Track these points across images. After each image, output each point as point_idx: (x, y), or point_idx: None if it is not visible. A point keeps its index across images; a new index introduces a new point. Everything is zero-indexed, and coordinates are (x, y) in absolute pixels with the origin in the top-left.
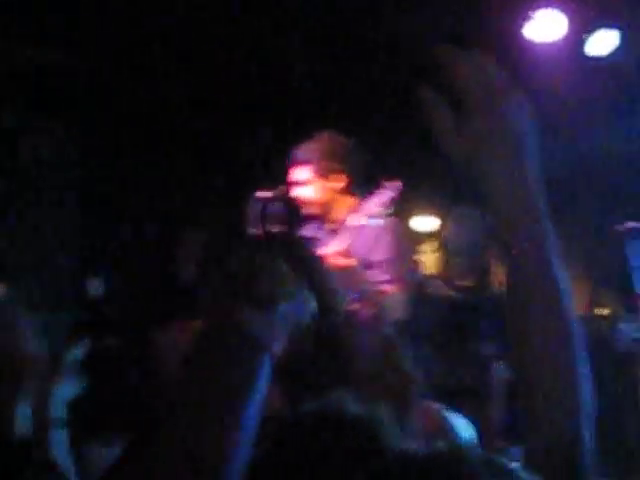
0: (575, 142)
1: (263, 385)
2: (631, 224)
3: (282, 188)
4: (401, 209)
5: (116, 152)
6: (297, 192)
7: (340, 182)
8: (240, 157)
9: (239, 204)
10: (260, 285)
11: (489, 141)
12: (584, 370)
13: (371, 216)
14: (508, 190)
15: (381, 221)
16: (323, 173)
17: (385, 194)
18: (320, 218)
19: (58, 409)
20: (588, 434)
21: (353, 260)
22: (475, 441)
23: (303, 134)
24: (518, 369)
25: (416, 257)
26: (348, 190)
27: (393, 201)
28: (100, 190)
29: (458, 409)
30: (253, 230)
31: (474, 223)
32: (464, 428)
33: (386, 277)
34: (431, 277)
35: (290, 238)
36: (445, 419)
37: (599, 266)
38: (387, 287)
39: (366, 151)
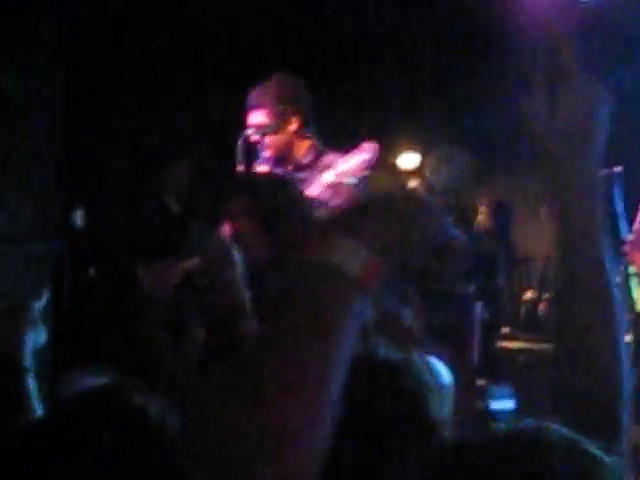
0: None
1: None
2: (617, 168)
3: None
4: (384, 146)
5: (102, 78)
6: (254, 137)
7: (294, 123)
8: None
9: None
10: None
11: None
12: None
13: (346, 175)
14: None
15: (355, 181)
16: (277, 116)
17: (363, 155)
18: (281, 161)
19: (28, 358)
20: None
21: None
22: (453, 387)
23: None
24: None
25: None
26: (302, 130)
27: (370, 164)
28: (87, 117)
29: (438, 349)
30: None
31: (458, 161)
32: (444, 373)
33: None
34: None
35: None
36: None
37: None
38: None
39: (349, 88)
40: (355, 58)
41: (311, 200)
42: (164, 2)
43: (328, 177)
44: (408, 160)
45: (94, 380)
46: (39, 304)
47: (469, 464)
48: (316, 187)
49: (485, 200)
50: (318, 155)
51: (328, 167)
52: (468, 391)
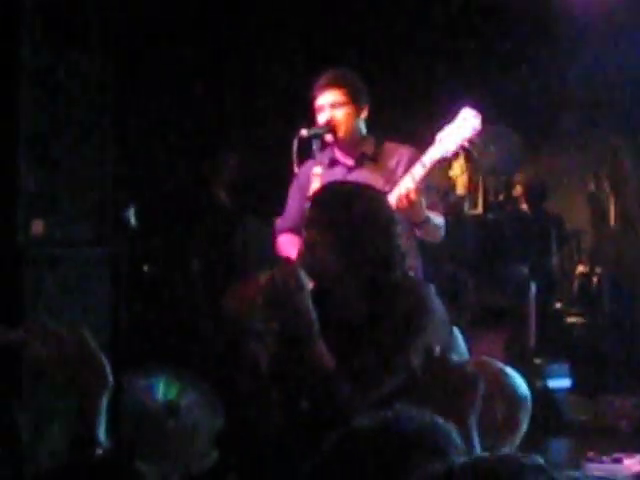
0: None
1: None
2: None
3: (321, 126)
4: (432, 127)
5: (148, 84)
6: (323, 117)
7: (366, 110)
8: (272, 85)
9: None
10: None
11: None
12: None
13: (449, 150)
14: None
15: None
16: (354, 96)
17: (466, 127)
18: (346, 147)
19: None
20: None
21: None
22: (530, 400)
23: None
24: None
25: (449, 176)
26: (355, 115)
27: (477, 135)
28: (133, 116)
29: (495, 329)
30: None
31: (505, 141)
32: (521, 386)
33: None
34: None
35: None
36: (506, 378)
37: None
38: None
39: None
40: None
41: (388, 209)
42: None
43: (435, 153)
44: None
45: (151, 381)
46: None
47: None
48: (419, 169)
49: (520, 179)
50: (378, 148)
51: (395, 156)
52: (525, 370)
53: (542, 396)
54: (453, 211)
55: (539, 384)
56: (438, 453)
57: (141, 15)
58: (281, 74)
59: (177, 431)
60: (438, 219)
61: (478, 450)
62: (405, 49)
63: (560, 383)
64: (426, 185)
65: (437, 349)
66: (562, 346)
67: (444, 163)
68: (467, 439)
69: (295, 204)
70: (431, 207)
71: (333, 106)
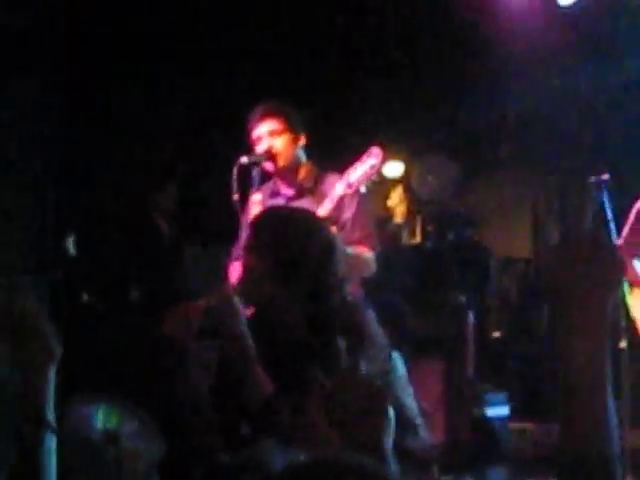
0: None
1: None
2: (605, 176)
3: (261, 154)
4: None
5: (93, 112)
6: (262, 147)
7: (303, 139)
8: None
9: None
10: None
11: None
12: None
13: (353, 185)
14: None
15: (364, 190)
16: (290, 125)
17: (370, 161)
18: (285, 177)
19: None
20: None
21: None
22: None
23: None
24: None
25: (388, 205)
26: (295, 142)
27: (378, 169)
28: (77, 144)
29: (433, 358)
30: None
31: (444, 171)
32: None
33: (355, 236)
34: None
35: None
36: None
37: (574, 215)
38: (357, 246)
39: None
40: (333, 69)
41: (326, 235)
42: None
43: (339, 190)
44: (392, 169)
45: (90, 409)
46: None
47: None
48: (328, 203)
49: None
50: (317, 179)
51: (331, 187)
52: (464, 399)
53: (480, 424)
54: (391, 240)
55: (477, 413)
56: None
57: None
58: (223, 103)
59: (117, 459)
60: (367, 254)
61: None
62: (341, 80)
63: (498, 411)
64: (356, 219)
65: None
66: (500, 375)
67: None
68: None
69: (242, 232)
70: (360, 241)
71: (271, 134)
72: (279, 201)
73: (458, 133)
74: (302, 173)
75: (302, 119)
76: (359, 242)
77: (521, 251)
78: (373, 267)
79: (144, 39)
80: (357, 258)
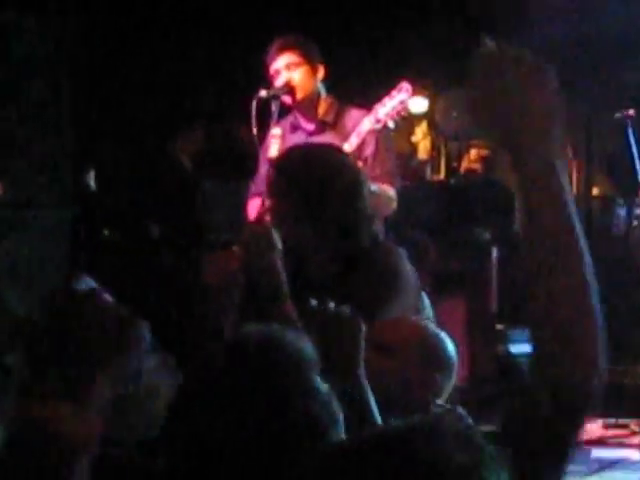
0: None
1: None
2: (631, 111)
3: (279, 87)
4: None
5: (110, 33)
6: (280, 80)
7: (321, 71)
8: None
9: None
10: None
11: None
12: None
13: (382, 120)
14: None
15: (392, 124)
16: (307, 57)
17: (400, 97)
18: (304, 110)
19: None
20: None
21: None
22: (454, 364)
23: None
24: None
25: (411, 141)
26: (325, 83)
27: (407, 104)
28: (95, 78)
29: (457, 294)
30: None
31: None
32: (446, 348)
33: (376, 172)
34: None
35: None
36: (427, 337)
37: (600, 153)
38: (378, 183)
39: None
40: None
41: (351, 171)
42: None
43: (367, 125)
44: (416, 104)
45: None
46: None
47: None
48: (354, 138)
49: (477, 144)
50: (339, 113)
51: (355, 122)
52: (487, 336)
53: (504, 360)
54: (415, 176)
55: (501, 349)
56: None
57: None
58: (242, 44)
59: (136, 395)
60: (388, 191)
61: (371, 403)
62: (364, 14)
63: (521, 348)
64: (377, 155)
65: None
66: (524, 312)
67: (383, 132)
68: (358, 390)
69: (261, 167)
70: (381, 178)
71: (289, 67)
72: (299, 135)
73: None
74: (323, 107)
75: (321, 52)
76: (380, 179)
77: None
78: (394, 205)
79: None
80: (378, 195)
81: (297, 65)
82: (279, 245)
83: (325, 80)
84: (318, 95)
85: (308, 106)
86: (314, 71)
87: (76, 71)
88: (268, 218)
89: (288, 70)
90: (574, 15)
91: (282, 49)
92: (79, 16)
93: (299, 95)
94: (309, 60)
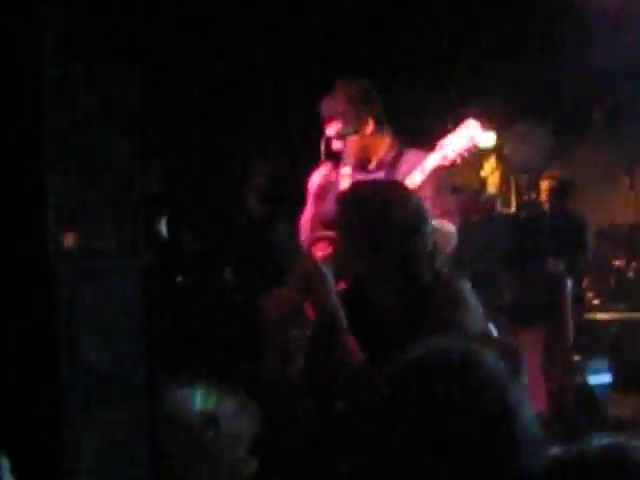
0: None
1: None
2: None
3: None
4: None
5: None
6: (335, 145)
7: (370, 124)
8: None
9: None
10: None
11: None
12: None
13: (449, 157)
14: None
15: (459, 161)
16: (352, 121)
17: (467, 133)
18: (363, 162)
19: None
20: None
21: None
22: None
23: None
24: None
25: (481, 176)
26: (380, 129)
27: (475, 142)
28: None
29: (533, 327)
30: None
31: (536, 139)
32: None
33: (436, 211)
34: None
35: None
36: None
37: None
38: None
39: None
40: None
41: (412, 208)
42: None
43: (434, 161)
44: (483, 139)
45: (189, 391)
46: None
47: None
48: (418, 174)
49: (548, 176)
50: (399, 152)
51: (410, 164)
52: (566, 367)
53: (583, 392)
54: (485, 210)
55: (580, 380)
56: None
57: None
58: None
59: (217, 441)
60: (448, 226)
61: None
62: (427, 53)
63: (600, 379)
64: (436, 193)
65: None
66: (600, 341)
67: (446, 170)
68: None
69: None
70: (442, 216)
71: (337, 136)
72: (361, 175)
73: (550, 99)
74: (380, 148)
75: (371, 89)
76: (440, 217)
77: (619, 217)
78: (454, 241)
79: None
80: (440, 231)
81: (343, 134)
82: (330, 277)
83: (379, 126)
84: (371, 143)
85: (362, 158)
86: (362, 128)
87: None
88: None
89: (337, 138)
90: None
91: (327, 118)
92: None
93: (351, 155)
94: (355, 121)
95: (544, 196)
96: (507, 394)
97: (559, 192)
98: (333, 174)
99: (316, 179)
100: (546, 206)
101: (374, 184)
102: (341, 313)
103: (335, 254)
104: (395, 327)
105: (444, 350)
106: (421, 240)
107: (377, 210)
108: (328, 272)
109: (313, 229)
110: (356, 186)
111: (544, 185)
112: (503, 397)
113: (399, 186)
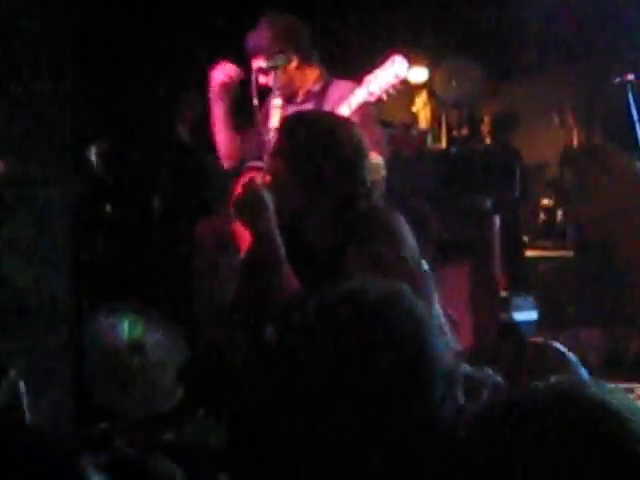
0: None
1: None
2: (630, 76)
3: (281, 57)
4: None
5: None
6: (262, 80)
7: (294, 61)
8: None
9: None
10: None
11: None
12: None
13: (375, 93)
14: None
15: (385, 97)
16: (276, 58)
17: (394, 70)
18: (291, 96)
19: None
20: None
21: None
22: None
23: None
24: None
25: (411, 111)
26: (304, 62)
27: (402, 80)
28: (96, 56)
29: (459, 262)
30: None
31: (468, 75)
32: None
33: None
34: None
35: None
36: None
37: (600, 118)
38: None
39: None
40: None
41: (353, 140)
42: None
43: (360, 96)
44: (415, 74)
45: (116, 319)
46: None
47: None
48: (345, 108)
49: (486, 113)
50: (327, 83)
51: (340, 94)
52: (491, 303)
53: (509, 329)
54: (415, 146)
55: (505, 317)
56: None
57: None
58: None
59: (143, 369)
60: (377, 160)
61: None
62: None
63: (526, 316)
64: (364, 125)
65: None
66: (528, 278)
67: (369, 105)
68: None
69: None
70: (371, 147)
71: (260, 71)
72: (291, 106)
73: (483, 37)
74: (307, 80)
75: (295, 25)
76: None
77: (547, 156)
78: (383, 173)
79: None
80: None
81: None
82: (271, 206)
83: (303, 63)
84: (296, 78)
85: (289, 92)
86: (286, 64)
87: (84, 49)
88: (268, 179)
89: (261, 72)
90: None
91: (251, 53)
92: None
93: (278, 90)
94: (300, 57)
95: (485, 132)
96: (422, 331)
97: (500, 127)
98: (236, 70)
99: (218, 75)
100: (485, 142)
101: (320, 116)
102: (280, 242)
103: (273, 185)
104: (329, 262)
105: (364, 286)
106: (361, 175)
107: (321, 143)
108: (269, 201)
109: (229, 142)
110: (300, 116)
111: (486, 120)
112: (418, 334)
113: (344, 120)
